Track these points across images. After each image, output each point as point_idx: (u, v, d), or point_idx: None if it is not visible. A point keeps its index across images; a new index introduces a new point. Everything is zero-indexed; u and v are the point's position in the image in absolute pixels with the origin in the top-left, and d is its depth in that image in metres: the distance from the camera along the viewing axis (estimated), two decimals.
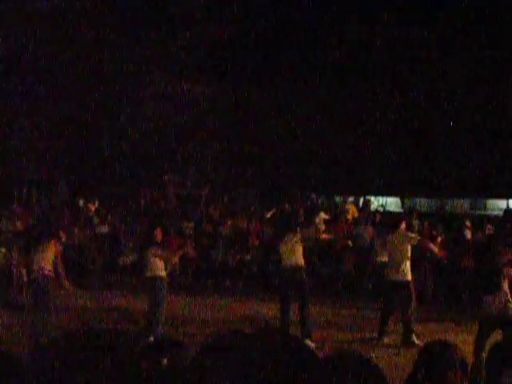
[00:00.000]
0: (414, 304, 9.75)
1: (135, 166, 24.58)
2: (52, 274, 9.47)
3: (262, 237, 15.77)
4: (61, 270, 9.60)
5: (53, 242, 9.60)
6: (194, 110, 23.86)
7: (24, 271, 9.54)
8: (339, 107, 27.00)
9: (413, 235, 10.19)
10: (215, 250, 15.25)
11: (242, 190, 27.18)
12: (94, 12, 21.76)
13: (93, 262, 15.88)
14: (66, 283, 9.83)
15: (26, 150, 23.01)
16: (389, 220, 12.73)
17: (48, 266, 9.41)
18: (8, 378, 1.89)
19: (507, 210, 19.92)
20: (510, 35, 24.23)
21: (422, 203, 32.53)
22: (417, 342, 9.20)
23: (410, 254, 9.81)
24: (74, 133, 23.17)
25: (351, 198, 25.99)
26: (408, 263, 9.80)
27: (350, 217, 17.27)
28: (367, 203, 19.98)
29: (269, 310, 11.42)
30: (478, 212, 30.37)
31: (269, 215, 18.02)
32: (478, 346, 7.27)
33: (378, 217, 17.34)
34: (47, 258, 9.45)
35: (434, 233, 15.28)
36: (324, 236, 10.94)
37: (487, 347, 6.80)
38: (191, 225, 17.18)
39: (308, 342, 9.17)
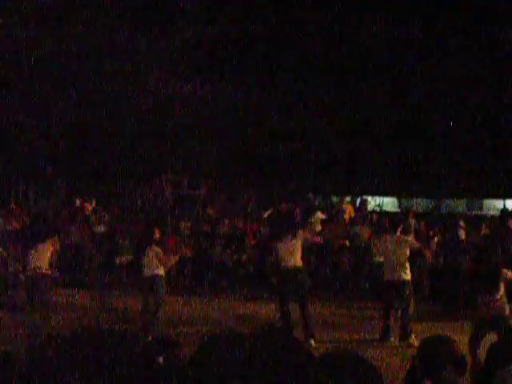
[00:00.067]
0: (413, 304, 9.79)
1: (132, 166, 24.56)
2: (49, 273, 9.48)
3: (258, 237, 15.77)
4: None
5: (49, 241, 9.61)
6: (191, 109, 23.84)
7: (24, 270, 9.52)
8: (337, 107, 27.00)
9: (408, 239, 10.19)
10: (212, 249, 15.25)
11: (239, 190, 27.18)
12: (91, 11, 21.73)
13: (90, 261, 15.87)
14: None
15: (23, 149, 22.97)
16: (385, 221, 12.74)
17: (44, 266, 9.42)
18: (5, 377, 1.90)
19: (503, 210, 19.93)
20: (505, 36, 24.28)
21: (419, 203, 32.56)
22: (415, 343, 9.21)
23: (407, 255, 9.84)
24: (70, 132, 23.15)
25: (348, 198, 26.00)
26: (406, 263, 9.82)
27: (346, 216, 17.28)
28: (364, 203, 19.98)
29: (266, 310, 11.44)
30: (474, 212, 30.40)
31: (266, 215, 18.03)
32: (473, 347, 7.28)
33: (374, 217, 17.36)
34: (44, 257, 9.46)
35: (431, 233, 15.33)
36: (315, 239, 10.91)
37: (482, 348, 6.87)
38: (188, 224, 17.18)
39: (312, 341, 9.21)
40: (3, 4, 20.32)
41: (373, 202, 32.34)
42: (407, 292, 9.73)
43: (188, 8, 22.66)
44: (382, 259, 10.55)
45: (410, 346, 9.04)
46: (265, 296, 12.59)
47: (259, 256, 14.95)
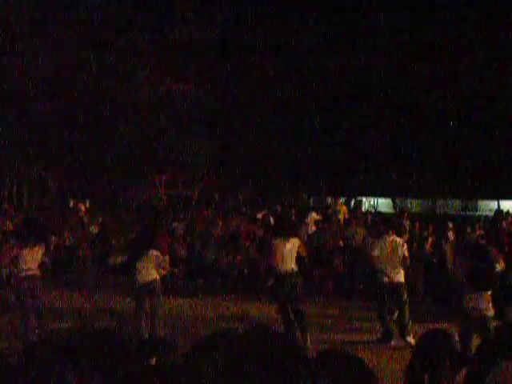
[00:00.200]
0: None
1: (126, 167, 24.50)
2: (38, 275, 9.43)
3: (253, 237, 15.73)
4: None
5: (39, 242, 9.57)
6: (186, 109, 23.81)
7: (15, 270, 9.47)
8: (332, 108, 27.02)
9: (400, 242, 10.17)
10: (206, 250, 15.21)
11: (233, 191, 27.17)
12: (86, 13, 21.70)
13: (83, 261, 15.81)
14: None
15: (16, 150, 22.89)
16: (380, 222, 12.71)
17: (35, 266, 9.38)
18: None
19: (497, 211, 19.98)
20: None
21: (414, 204, 32.63)
22: (413, 343, 9.19)
23: (401, 257, 9.83)
24: (64, 133, 23.07)
25: (342, 199, 26.03)
26: (399, 265, 9.82)
27: (341, 217, 17.28)
28: (358, 204, 20.01)
29: (260, 311, 11.40)
30: (469, 213, 30.47)
31: (260, 216, 18.02)
32: (466, 345, 7.26)
33: (369, 217, 17.36)
34: (35, 258, 9.41)
35: (425, 233, 15.35)
36: (304, 250, 10.81)
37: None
38: (182, 225, 17.15)
39: (308, 343, 9.20)
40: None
41: (367, 202, 32.44)
42: (402, 293, 9.73)
43: (179, 8, 22.63)
44: (376, 260, 10.53)
45: (409, 346, 9.01)
46: (259, 297, 12.55)
47: (253, 257, 14.90)
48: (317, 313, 11.73)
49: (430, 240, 14.63)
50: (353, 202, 29.58)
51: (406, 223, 15.64)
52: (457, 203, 34.42)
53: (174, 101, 23.48)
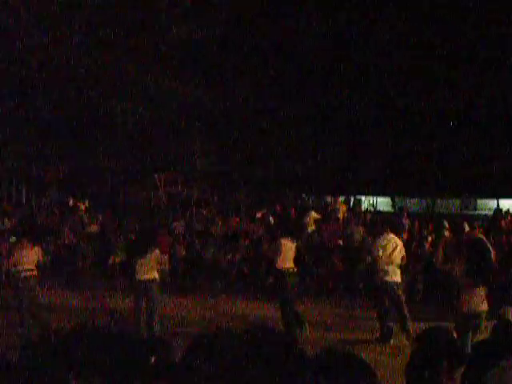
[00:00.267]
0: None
1: (126, 166, 24.51)
2: (35, 274, 9.45)
3: (252, 237, 15.73)
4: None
5: (36, 243, 9.59)
6: (185, 109, 23.80)
7: (13, 270, 9.48)
8: (331, 108, 27.02)
9: (398, 241, 10.20)
10: (206, 249, 15.21)
11: (232, 190, 27.17)
12: (83, 10, 21.67)
13: (83, 260, 15.81)
14: None
15: (16, 149, 22.89)
16: (379, 221, 12.71)
17: (32, 266, 9.39)
18: None
19: (497, 210, 19.97)
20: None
21: (413, 203, 32.62)
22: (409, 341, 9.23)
23: (399, 255, 9.87)
24: (63, 132, 23.07)
25: (341, 198, 26.01)
26: (396, 265, 9.86)
27: (340, 216, 17.27)
28: (357, 203, 20.01)
29: (259, 310, 11.41)
30: (468, 212, 30.48)
31: (259, 215, 18.01)
32: (464, 343, 7.30)
33: (368, 216, 17.36)
34: (31, 258, 9.42)
35: (425, 232, 15.34)
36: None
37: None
38: (182, 224, 17.15)
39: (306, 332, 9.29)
40: None
41: (366, 201, 32.43)
42: (399, 292, 9.76)
43: (176, 7, 22.61)
44: (375, 259, 10.54)
45: (409, 344, 9.02)
46: (258, 296, 12.56)
47: (253, 256, 14.91)
48: (316, 311, 11.74)
49: (429, 239, 14.63)
50: (352, 201, 29.59)
51: (406, 222, 15.65)
52: (456, 202, 34.43)
53: (175, 100, 23.47)
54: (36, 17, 20.98)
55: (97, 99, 22.64)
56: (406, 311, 9.71)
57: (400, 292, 9.80)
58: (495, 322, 6.32)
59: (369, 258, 11.67)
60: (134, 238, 11.56)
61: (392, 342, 9.60)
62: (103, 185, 24.91)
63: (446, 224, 15.24)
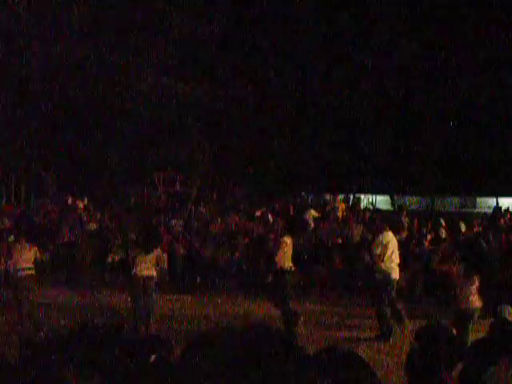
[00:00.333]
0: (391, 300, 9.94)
1: (125, 164, 24.47)
2: (32, 273, 9.45)
3: (251, 235, 15.73)
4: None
5: (32, 242, 9.59)
6: (184, 107, 23.77)
7: (12, 270, 9.48)
8: (330, 106, 27.01)
9: (395, 239, 10.26)
10: (204, 247, 15.20)
11: (231, 188, 27.14)
12: (82, 8, 21.64)
13: (82, 259, 15.78)
14: None
15: (14, 147, 22.85)
16: (378, 219, 12.71)
17: (29, 265, 9.39)
18: None
19: (496, 208, 19.98)
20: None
21: (412, 201, 32.62)
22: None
23: (396, 254, 9.91)
24: (63, 130, 23.04)
25: (341, 196, 25.99)
26: (395, 263, 9.92)
27: (339, 214, 17.27)
28: (357, 201, 20.01)
29: (258, 308, 11.41)
30: (467, 210, 30.48)
31: (259, 213, 18.00)
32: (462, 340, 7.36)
33: (367, 215, 17.34)
34: (28, 257, 9.42)
35: (424, 230, 15.33)
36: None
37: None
38: (181, 222, 17.13)
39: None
40: None
41: (366, 199, 32.44)
42: (389, 290, 9.87)
43: (176, 5, 22.59)
44: (374, 257, 10.56)
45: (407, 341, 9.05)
46: (257, 294, 12.55)
47: (252, 254, 14.90)
48: (315, 310, 11.74)
49: (428, 237, 14.62)
50: (351, 199, 29.59)
51: (405, 220, 15.64)
52: (455, 200, 34.45)
53: (173, 99, 23.44)
54: (34, 14, 20.95)
55: (96, 98, 22.61)
56: (398, 306, 9.84)
57: (389, 289, 9.90)
58: (492, 320, 6.34)
59: (367, 257, 11.69)
60: (137, 234, 11.52)
61: (391, 340, 9.60)
62: (102, 184, 24.87)
63: (443, 222, 15.27)
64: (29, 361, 1.95)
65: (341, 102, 26.98)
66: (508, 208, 19.83)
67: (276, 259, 9.78)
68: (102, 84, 22.34)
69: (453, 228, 14.78)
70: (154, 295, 9.72)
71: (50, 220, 17.51)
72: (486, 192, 30.55)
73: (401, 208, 18.13)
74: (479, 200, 34.16)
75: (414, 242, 14.17)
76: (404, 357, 3.44)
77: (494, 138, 27.24)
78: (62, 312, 10.96)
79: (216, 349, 1.66)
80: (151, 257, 9.68)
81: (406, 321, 9.82)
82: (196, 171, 24.97)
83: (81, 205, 18.87)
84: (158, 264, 9.84)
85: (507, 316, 6.67)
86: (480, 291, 8.19)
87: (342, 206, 19.21)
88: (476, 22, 24.81)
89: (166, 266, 13.97)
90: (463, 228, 14.54)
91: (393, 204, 30.93)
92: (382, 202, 32.69)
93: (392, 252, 9.92)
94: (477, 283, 8.14)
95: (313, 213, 16.99)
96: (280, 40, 25.53)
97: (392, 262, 9.87)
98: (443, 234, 14.73)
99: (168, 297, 12.30)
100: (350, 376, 1.61)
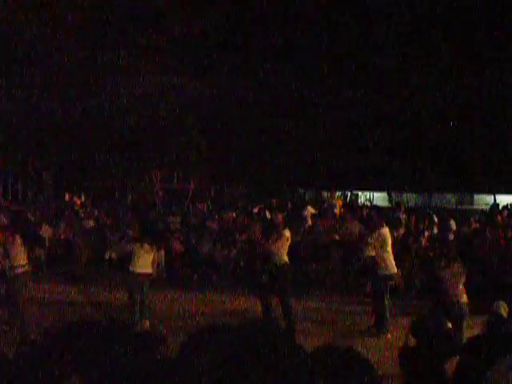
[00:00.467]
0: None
1: (122, 160, 24.45)
2: (26, 270, 9.43)
3: (249, 232, 15.70)
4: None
5: (27, 238, 9.57)
6: (181, 104, 23.75)
7: (7, 267, 9.45)
8: (327, 102, 26.98)
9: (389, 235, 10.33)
10: (202, 244, 15.18)
11: (229, 185, 27.13)
12: (80, 4, 21.59)
13: (79, 255, 15.76)
14: None
15: (11, 144, 22.82)
16: (376, 215, 12.72)
17: (24, 262, 9.37)
18: None
19: (493, 205, 20.02)
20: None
21: (410, 198, 32.66)
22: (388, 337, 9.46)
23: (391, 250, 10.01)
24: (60, 126, 23.00)
25: (338, 193, 26.00)
26: (392, 257, 9.98)
27: (337, 211, 17.27)
28: (354, 198, 20.01)
29: (255, 305, 11.38)
30: (465, 207, 30.52)
31: (256, 210, 17.99)
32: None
33: (365, 211, 17.34)
34: (22, 254, 9.40)
35: (421, 227, 15.35)
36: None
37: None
38: (178, 219, 17.12)
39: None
40: None
41: (363, 196, 32.47)
42: (384, 286, 9.90)
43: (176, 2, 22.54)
44: (372, 254, 10.59)
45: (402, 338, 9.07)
46: (254, 291, 12.53)
47: (249, 251, 14.88)
48: (313, 307, 11.74)
49: (426, 234, 14.64)
50: (349, 196, 29.62)
51: (402, 217, 15.65)
52: (453, 197, 34.49)
53: (171, 95, 23.42)
54: (33, 12, 20.90)
55: (93, 95, 22.58)
56: (387, 304, 9.96)
57: (384, 285, 9.97)
58: (488, 316, 6.34)
59: (365, 253, 11.70)
60: (134, 230, 11.50)
61: (389, 336, 9.61)
62: (100, 180, 24.84)
63: (436, 219, 15.31)
64: (27, 358, 1.93)
65: (338, 98, 26.95)
66: (507, 205, 19.87)
67: (274, 249, 9.78)
68: (100, 79, 22.30)
69: (442, 226, 14.83)
70: (148, 292, 9.73)
71: (47, 216, 17.47)
72: (483, 189, 30.58)
73: (398, 205, 18.15)
74: (476, 197, 34.22)
75: (411, 238, 14.18)
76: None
77: (492, 134, 27.25)
78: (58, 308, 10.94)
79: (214, 345, 1.64)
80: (148, 253, 9.69)
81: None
82: (193, 168, 24.96)
83: (78, 201, 18.86)
84: (155, 261, 9.85)
85: (502, 312, 6.67)
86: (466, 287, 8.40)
87: (340, 202, 19.21)
88: (476, 21, 24.81)
89: (163, 262, 13.98)
90: (453, 226, 14.56)
91: (390, 201, 30.97)
92: (380, 198, 32.72)
93: (391, 248, 10.00)
94: (464, 279, 8.37)
95: (310, 209, 16.99)
96: (280, 38, 25.52)
97: (390, 256, 9.93)
98: (435, 230, 14.81)
99: (165, 293, 12.29)
100: (350, 372, 1.59)
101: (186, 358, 1.82)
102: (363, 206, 22.10)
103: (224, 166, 26.42)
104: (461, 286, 8.34)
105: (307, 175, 28.34)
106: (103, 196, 22.25)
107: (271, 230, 10.19)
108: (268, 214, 16.79)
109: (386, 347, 8.85)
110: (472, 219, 16.43)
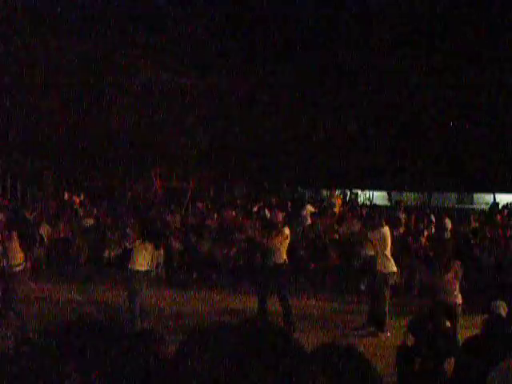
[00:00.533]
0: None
1: (121, 159, 24.43)
2: (25, 268, 9.42)
3: (248, 230, 15.68)
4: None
5: (24, 237, 9.57)
6: (180, 102, 23.73)
7: (6, 265, 9.45)
8: (327, 100, 26.97)
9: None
10: (201, 243, 15.17)
11: (228, 184, 27.11)
12: (81, 4, 21.59)
13: (78, 254, 15.75)
14: None
15: (11, 143, 22.80)
16: (375, 214, 12.72)
17: (21, 260, 9.37)
18: None
19: (493, 204, 20.02)
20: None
21: (409, 197, 32.65)
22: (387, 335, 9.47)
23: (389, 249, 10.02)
24: (59, 125, 22.98)
25: (337, 192, 25.97)
26: (391, 257, 10.00)
27: (336, 210, 17.26)
28: (354, 197, 20.01)
29: (255, 304, 11.37)
30: (465, 206, 30.51)
31: (256, 209, 17.97)
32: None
33: (364, 210, 17.34)
34: (20, 252, 9.40)
35: (421, 226, 15.34)
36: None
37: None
38: (177, 217, 17.10)
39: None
40: None
41: (363, 195, 32.46)
42: (381, 284, 9.92)
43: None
44: (371, 253, 10.60)
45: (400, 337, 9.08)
46: (254, 290, 12.53)
47: (248, 250, 14.87)
48: (312, 305, 11.73)
49: (425, 233, 14.63)
50: (348, 195, 29.61)
51: (402, 216, 15.65)
52: (453, 196, 34.50)
53: (171, 93, 23.41)
54: (31, 10, 20.88)
55: (94, 92, 22.56)
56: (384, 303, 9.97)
57: (383, 283, 9.98)
58: (487, 316, 6.33)
59: (364, 252, 11.70)
60: (134, 229, 11.50)
61: (388, 334, 9.61)
62: (99, 179, 24.83)
63: (433, 219, 15.32)
64: (26, 356, 1.91)
65: (338, 97, 26.94)
66: (507, 204, 19.86)
67: (273, 246, 9.78)
68: (100, 77, 22.28)
69: (437, 225, 14.84)
70: (140, 290, 9.70)
71: (46, 215, 17.45)
72: (482, 188, 30.58)
73: (398, 203, 18.14)
74: (476, 196, 34.23)
75: (410, 237, 14.17)
76: None
77: (492, 133, 27.25)
78: (58, 307, 10.93)
79: (213, 344, 1.63)
80: (148, 252, 9.67)
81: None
82: (193, 166, 24.94)
83: (77, 200, 18.83)
84: (154, 259, 9.84)
85: (502, 312, 6.66)
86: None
87: (339, 201, 19.19)
88: (476, 21, 24.81)
89: (162, 261, 13.97)
90: (449, 225, 14.56)
91: (390, 200, 30.96)
92: (379, 197, 32.72)
93: (391, 246, 10.02)
94: (460, 279, 8.43)
95: (310, 208, 16.98)
96: (280, 38, 25.52)
97: (389, 254, 9.95)
98: (432, 229, 14.82)
99: (164, 292, 12.28)
100: (351, 371, 1.57)
101: (185, 357, 1.80)
102: (363, 204, 22.10)
103: (223, 165, 26.41)
104: (457, 287, 8.35)
105: (307, 174, 28.33)
106: (102, 195, 22.21)
107: (271, 228, 10.18)
108: (267, 213, 16.79)
109: (385, 346, 8.85)
110: (472, 218, 16.43)
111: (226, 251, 14.87)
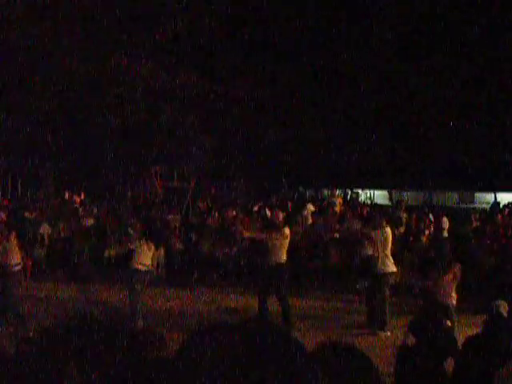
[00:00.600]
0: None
1: (122, 158, 24.41)
2: (19, 269, 9.44)
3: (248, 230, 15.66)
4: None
5: (21, 237, 9.59)
6: (181, 101, 23.71)
7: (5, 264, 9.45)
8: (327, 100, 26.95)
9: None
10: (202, 242, 15.16)
11: (229, 183, 27.09)
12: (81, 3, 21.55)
13: (78, 254, 15.74)
14: None
15: (11, 142, 22.79)
16: (376, 214, 12.71)
17: (18, 260, 9.38)
18: None
19: (494, 204, 20.00)
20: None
21: (410, 196, 32.61)
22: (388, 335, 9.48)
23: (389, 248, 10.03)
24: (59, 124, 22.97)
25: (338, 191, 25.96)
26: (389, 256, 10.02)
27: (337, 209, 17.24)
28: (355, 196, 20.00)
29: (255, 304, 11.37)
30: (466, 205, 30.50)
31: (256, 208, 17.97)
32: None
33: (365, 210, 17.32)
34: (18, 252, 9.41)
35: (422, 226, 15.31)
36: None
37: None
38: (178, 217, 17.10)
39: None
40: None
41: (364, 195, 32.44)
42: (380, 283, 9.95)
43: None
44: (372, 252, 10.59)
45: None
46: (254, 289, 12.52)
47: (249, 249, 14.86)
48: (312, 305, 11.72)
49: (426, 233, 14.60)
50: (349, 194, 29.59)
51: (403, 215, 15.63)
52: (454, 195, 34.48)
53: (171, 92, 23.38)
54: (30, 8, 20.84)
55: (94, 91, 22.54)
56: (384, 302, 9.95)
57: (382, 283, 9.99)
58: (488, 316, 6.32)
59: (364, 252, 11.70)
60: (135, 228, 11.51)
61: (389, 333, 9.61)
62: (99, 178, 24.81)
63: (432, 218, 15.30)
64: (27, 355, 1.90)
65: (338, 95, 26.91)
66: (509, 204, 19.81)
67: (273, 245, 9.79)
68: (100, 77, 22.25)
69: (436, 224, 14.81)
70: (141, 289, 9.72)
71: (46, 214, 17.44)
72: (484, 187, 30.56)
73: (399, 203, 18.12)
74: (477, 195, 34.20)
75: (411, 237, 14.16)
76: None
77: (492, 133, 27.23)
78: (58, 307, 10.92)
79: (213, 344, 1.62)
80: (149, 251, 9.68)
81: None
82: (193, 165, 24.92)
83: (77, 200, 18.83)
84: (155, 259, 9.86)
85: (502, 312, 6.65)
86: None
87: (340, 200, 19.18)
88: (476, 21, 24.80)
89: (162, 261, 13.97)
90: (446, 224, 14.54)
91: (391, 199, 30.93)
92: (380, 196, 32.69)
93: (391, 246, 10.03)
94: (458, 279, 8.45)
95: (311, 207, 16.97)
96: (280, 38, 25.50)
97: (391, 255, 9.97)
98: (432, 229, 14.80)
99: (165, 292, 12.27)
100: (352, 370, 1.57)
101: (185, 356, 1.79)
102: (363, 204, 22.08)
103: (224, 164, 26.39)
104: (453, 289, 8.37)
105: (307, 173, 28.32)
106: (103, 194, 22.20)
107: (271, 228, 10.19)
108: (268, 212, 16.78)
109: (385, 346, 8.84)
110: (473, 217, 16.40)
111: (226, 251, 14.86)
